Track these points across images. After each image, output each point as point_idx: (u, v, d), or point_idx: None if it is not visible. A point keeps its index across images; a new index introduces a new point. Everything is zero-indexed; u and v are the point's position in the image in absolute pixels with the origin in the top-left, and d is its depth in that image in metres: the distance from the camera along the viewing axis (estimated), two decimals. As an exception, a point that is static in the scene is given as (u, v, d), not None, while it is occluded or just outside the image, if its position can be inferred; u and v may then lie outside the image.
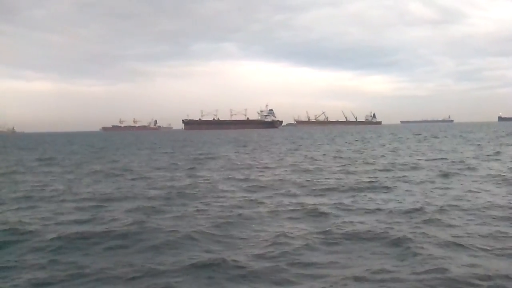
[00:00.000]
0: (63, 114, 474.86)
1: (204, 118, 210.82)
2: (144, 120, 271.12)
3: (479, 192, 13.31)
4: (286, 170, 20.89)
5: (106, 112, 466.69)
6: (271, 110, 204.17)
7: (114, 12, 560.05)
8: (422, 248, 7.78)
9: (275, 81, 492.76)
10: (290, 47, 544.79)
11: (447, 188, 14.25)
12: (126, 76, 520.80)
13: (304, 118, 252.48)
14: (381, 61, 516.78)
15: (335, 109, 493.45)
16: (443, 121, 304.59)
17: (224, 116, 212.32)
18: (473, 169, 19.45)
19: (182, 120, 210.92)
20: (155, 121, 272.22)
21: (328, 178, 17.51)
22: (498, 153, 27.78)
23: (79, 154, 38.30)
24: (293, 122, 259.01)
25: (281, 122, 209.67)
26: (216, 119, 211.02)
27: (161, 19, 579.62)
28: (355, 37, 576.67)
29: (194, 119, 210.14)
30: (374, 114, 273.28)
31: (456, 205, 11.33)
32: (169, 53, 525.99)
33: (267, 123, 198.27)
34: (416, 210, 10.88)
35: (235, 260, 7.31)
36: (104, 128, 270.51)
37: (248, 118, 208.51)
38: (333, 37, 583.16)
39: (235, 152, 36.09)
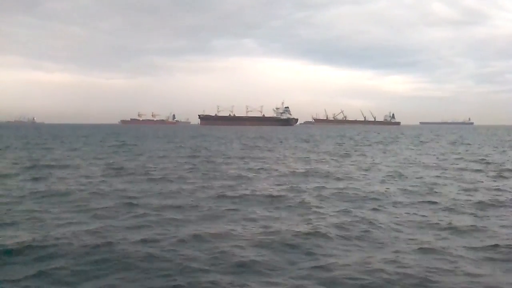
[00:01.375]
0: (82, 106, 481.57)
1: (220, 114, 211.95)
2: (162, 114, 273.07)
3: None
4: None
5: (124, 105, 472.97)
6: (287, 107, 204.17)
7: (135, 6, 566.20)
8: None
9: (294, 78, 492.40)
10: (310, 44, 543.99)
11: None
12: (146, 69, 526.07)
13: (322, 117, 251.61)
14: (402, 61, 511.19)
15: (353, 108, 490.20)
16: (463, 123, 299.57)
17: (240, 112, 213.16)
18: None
19: (199, 115, 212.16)
20: (173, 115, 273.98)
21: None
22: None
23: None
24: (311, 120, 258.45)
25: (297, 120, 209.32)
26: (232, 115, 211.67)
27: (182, 14, 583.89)
28: (375, 36, 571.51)
29: (210, 114, 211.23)
30: (393, 114, 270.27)
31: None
32: (189, 48, 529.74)
33: (283, 121, 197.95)
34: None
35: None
36: (123, 121, 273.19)
37: (264, 115, 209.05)
38: (353, 35, 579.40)
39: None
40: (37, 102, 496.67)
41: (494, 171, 21.25)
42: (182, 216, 11.01)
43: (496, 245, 8.63)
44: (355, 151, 35.92)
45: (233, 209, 11.89)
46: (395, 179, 18.26)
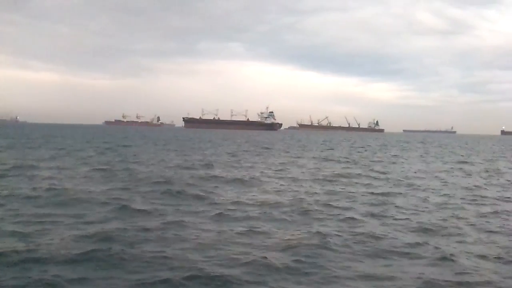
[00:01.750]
0: (67, 105, 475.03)
1: (204, 117, 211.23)
2: (147, 116, 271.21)
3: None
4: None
5: (109, 106, 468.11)
6: (271, 112, 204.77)
7: (123, 6, 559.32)
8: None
9: (280, 83, 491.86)
10: (297, 50, 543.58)
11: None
12: (132, 71, 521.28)
13: (307, 122, 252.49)
14: (387, 69, 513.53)
15: (338, 115, 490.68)
16: (446, 131, 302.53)
17: (224, 116, 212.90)
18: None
19: (183, 118, 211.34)
20: (158, 117, 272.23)
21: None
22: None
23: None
24: (295, 125, 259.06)
25: (281, 125, 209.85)
26: (216, 118, 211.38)
27: (169, 16, 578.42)
28: (362, 43, 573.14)
29: (195, 117, 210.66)
30: (377, 122, 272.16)
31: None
32: (176, 50, 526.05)
33: (267, 125, 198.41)
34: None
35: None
36: (107, 122, 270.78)
37: (248, 119, 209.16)
38: (339, 42, 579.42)
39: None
40: (21, 101, 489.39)
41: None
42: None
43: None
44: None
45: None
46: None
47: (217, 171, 22.33)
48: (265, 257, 8.18)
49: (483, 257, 8.79)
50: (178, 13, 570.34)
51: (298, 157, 34.82)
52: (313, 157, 35.19)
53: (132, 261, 7.86)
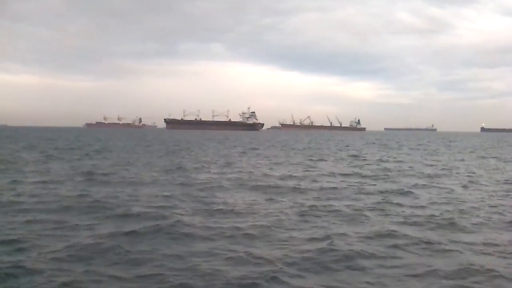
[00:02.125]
0: (48, 108, 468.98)
1: (186, 118, 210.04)
2: (128, 117, 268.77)
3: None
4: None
5: (90, 108, 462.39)
6: (253, 112, 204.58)
7: (102, 8, 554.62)
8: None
9: (261, 83, 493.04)
10: (278, 50, 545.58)
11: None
12: (113, 72, 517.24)
13: (290, 122, 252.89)
14: (367, 68, 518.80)
15: (320, 114, 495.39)
16: (427, 129, 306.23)
17: (206, 116, 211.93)
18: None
19: (164, 119, 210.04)
20: (140, 119, 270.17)
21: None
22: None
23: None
24: (278, 125, 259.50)
25: (263, 124, 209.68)
26: (198, 119, 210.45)
27: (149, 17, 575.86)
28: (342, 43, 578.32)
29: (177, 118, 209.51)
30: (358, 120, 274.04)
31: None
32: (157, 52, 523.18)
33: (248, 125, 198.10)
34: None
35: None
36: (88, 124, 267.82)
37: (230, 119, 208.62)
38: (320, 42, 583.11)
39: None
40: (1, 105, 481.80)
41: None
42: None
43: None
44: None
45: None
46: None
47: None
48: None
49: None
50: (158, 14, 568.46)
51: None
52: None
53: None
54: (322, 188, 17.07)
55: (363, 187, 17.71)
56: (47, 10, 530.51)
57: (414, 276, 7.46)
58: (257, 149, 46.48)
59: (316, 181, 19.47)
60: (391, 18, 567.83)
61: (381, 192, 16.40)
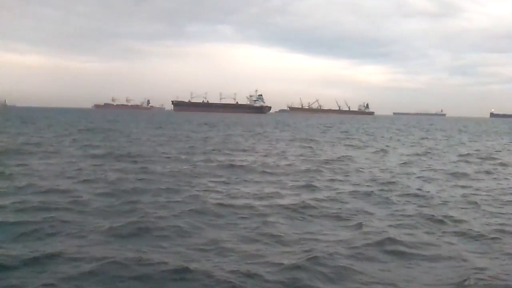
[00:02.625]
0: (56, 89, 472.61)
1: (193, 100, 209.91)
2: (136, 99, 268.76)
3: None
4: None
5: (99, 90, 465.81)
6: (260, 95, 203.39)
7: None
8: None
9: (269, 66, 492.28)
10: (286, 32, 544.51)
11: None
12: (121, 53, 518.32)
13: (298, 105, 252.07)
14: (377, 52, 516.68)
15: (328, 98, 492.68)
16: (436, 114, 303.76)
17: (213, 99, 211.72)
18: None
19: (172, 101, 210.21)
20: (148, 101, 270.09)
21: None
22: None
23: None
24: (286, 108, 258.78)
25: (270, 108, 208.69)
26: (205, 101, 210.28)
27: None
28: (351, 26, 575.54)
29: (184, 100, 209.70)
30: (367, 104, 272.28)
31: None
32: (165, 33, 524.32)
33: (256, 108, 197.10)
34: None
35: None
36: (97, 106, 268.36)
37: (237, 102, 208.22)
38: (329, 24, 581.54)
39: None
40: (9, 85, 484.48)
41: None
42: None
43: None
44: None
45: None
46: None
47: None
48: None
49: None
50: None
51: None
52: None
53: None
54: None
55: None
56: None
57: None
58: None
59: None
60: (401, 1, 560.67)
61: None
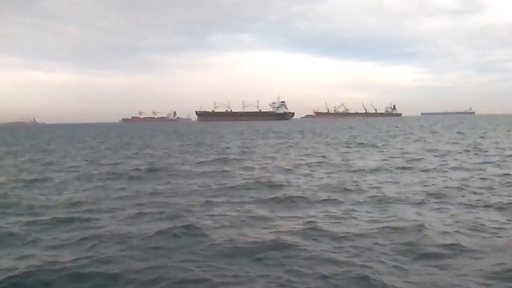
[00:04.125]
0: (83, 105, 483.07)
1: (217, 110, 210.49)
2: (163, 111, 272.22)
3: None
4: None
5: (125, 103, 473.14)
6: (283, 102, 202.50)
7: (131, 3, 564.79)
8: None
9: (292, 72, 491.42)
10: (308, 37, 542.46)
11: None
12: (144, 67, 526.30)
13: (323, 110, 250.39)
14: (401, 52, 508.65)
15: (354, 101, 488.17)
16: (465, 113, 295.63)
17: (236, 107, 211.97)
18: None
19: (196, 112, 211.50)
20: (174, 112, 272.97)
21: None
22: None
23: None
24: (312, 114, 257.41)
25: (293, 114, 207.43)
26: (229, 110, 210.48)
27: (178, 9, 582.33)
28: (374, 28, 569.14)
29: (207, 110, 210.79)
30: (394, 106, 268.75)
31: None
32: (187, 44, 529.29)
33: (279, 115, 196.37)
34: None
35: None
36: (124, 120, 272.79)
37: (260, 110, 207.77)
38: (351, 27, 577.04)
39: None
40: (37, 102, 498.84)
41: None
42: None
43: None
44: None
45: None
46: None
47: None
48: None
49: None
50: (186, 6, 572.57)
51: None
52: None
53: None
54: None
55: None
56: (75, 7, 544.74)
57: None
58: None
59: None
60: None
61: None
